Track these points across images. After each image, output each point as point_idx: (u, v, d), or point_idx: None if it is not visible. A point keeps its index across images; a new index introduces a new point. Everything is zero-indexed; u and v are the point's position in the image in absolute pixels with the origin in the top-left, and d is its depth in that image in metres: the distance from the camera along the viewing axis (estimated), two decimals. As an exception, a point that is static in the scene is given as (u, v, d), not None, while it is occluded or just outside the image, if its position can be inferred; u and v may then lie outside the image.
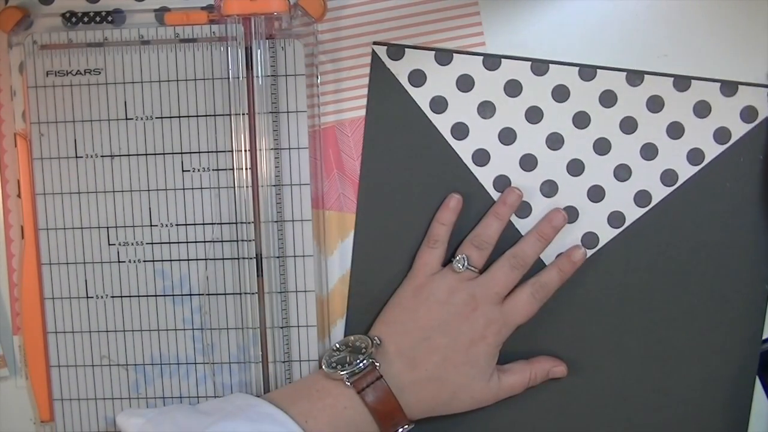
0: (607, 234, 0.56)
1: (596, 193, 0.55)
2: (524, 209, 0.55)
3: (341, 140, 0.55)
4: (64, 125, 0.54)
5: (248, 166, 0.53)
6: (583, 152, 0.55)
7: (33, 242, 0.54)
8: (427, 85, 0.55)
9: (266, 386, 0.54)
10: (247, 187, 0.53)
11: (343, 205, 0.55)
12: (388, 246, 0.55)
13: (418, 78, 0.55)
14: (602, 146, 0.55)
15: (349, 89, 0.55)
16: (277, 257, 0.54)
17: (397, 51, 0.54)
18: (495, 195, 0.55)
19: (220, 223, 0.54)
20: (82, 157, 0.54)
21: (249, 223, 0.53)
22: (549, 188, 0.55)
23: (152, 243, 0.54)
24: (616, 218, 0.55)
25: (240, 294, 0.54)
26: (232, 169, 0.53)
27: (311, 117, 0.54)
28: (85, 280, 0.54)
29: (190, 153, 0.53)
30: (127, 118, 0.53)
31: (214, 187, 0.53)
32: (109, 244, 0.54)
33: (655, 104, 0.55)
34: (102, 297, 0.54)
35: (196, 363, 0.55)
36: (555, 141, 0.55)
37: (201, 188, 0.54)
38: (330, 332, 0.56)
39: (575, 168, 0.55)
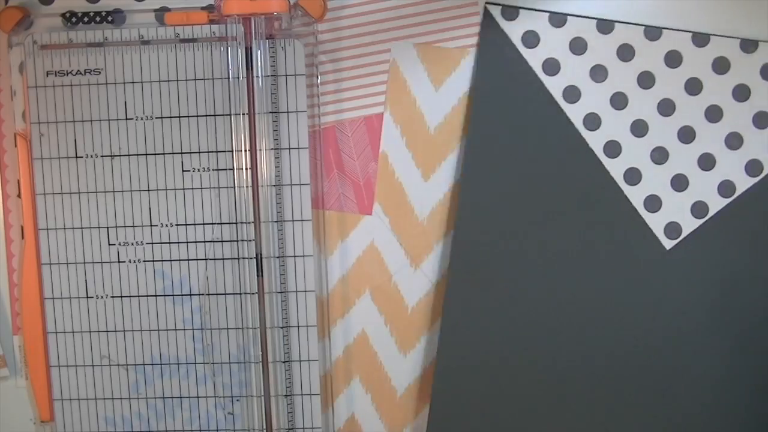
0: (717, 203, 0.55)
1: (707, 161, 0.55)
2: (634, 176, 0.55)
3: (341, 140, 0.55)
4: (64, 125, 0.54)
5: (248, 166, 0.53)
6: (694, 119, 0.55)
7: (33, 242, 0.54)
8: (540, 47, 0.54)
9: (266, 386, 0.54)
10: (247, 187, 0.53)
11: (343, 205, 0.55)
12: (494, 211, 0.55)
13: (531, 39, 0.54)
14: (714, 114, 0.55)
15: (349, 89, 0.55)
16: (277, 257, 0.54)
17: (511, 12, 0.54)
18: (605, 161, 0.55)
19: (221, 223, 0.54)
20: (82, 157, 0.54)
21: (249, 223, 0.53)
22: (659, 155, 0.55)
23: (152, 243, 0.54)
24: (726, 188, 0.55)
25: (240, 294, 0.54)
26: (232, 169, 0.53)
27: (311, 117, 0.54)
28: (85, 280, 0.54)
29: (190, 153, 0.53)
30: (127, 118, 0.53)
31: (214, 187, 0.53)
32: (109, 244, 0.54)
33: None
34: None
35: (196, 363, 0.55)
36: (666, 107, 0.54)
37: (201, 188, 0.54)
38: (329, 332, 0.56)
39: (685, 136, 0.55)
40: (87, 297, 0.54)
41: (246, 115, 0.53)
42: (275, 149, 0.53)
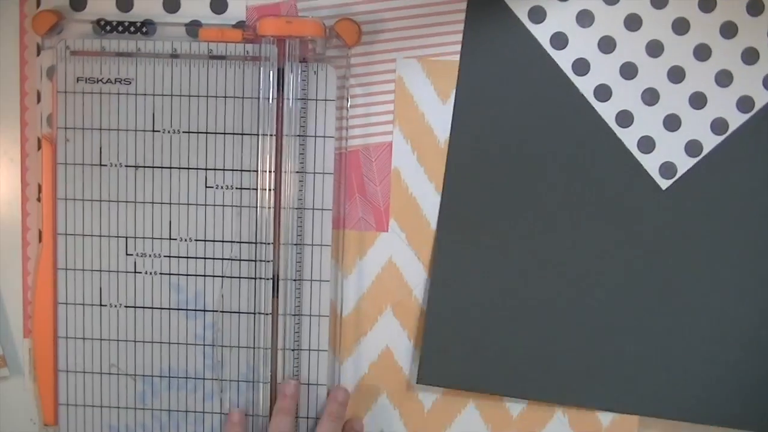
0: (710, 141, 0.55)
1: (720, 127, 0.55)
2: (626, 118, 0.55)
3: (365, 165, 0.55)
4: (91, 132, 0.53)
5: (272, 187, 0.53)
6: (704, 85, 0.55)
7: (50, 246, 0.54)
8: (547, 22, 0.54)
9: (272, 407, 0.54)
10: (269, 207, 0.53)
11: (362, 227, 0.55)
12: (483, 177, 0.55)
13: (537, 14, 0.54)
14: (702, 52, 0.55)
15: (377, 114, 0.55)
16: (294, 280, 0.54)
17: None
18: (597, 105, 0.55)
19: (240, 242, 0.54)
20: (106, 165, 0.54)
21: (268, 243, 0.53)
22: (650, 96, 0.55)
23: (170, 256, 0.54)
24: (719, 125, 0.55)
25: (254, 314, 0.54)
26: (256, 189, 0.53)
27: (338, 140, 0.54)
28: (100, 288, 0.54)
29: (215, 170, 0.53)
30: (154, 130, 0.53)
31: (236, 205, 0.53)
32: (127, 254, 0.54)
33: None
34: (115, 306, 0.54)
35: (204, 378, 0.55)
36: (655, 48, 0.54)
37: (223, 205, 0.54)
38: (341, 357, 0.56)
39: (697, 101, 0.55)
40: (100, 305, 0.54)
41: (273, 136, 0.53)
42: (300, 172, 0.53)
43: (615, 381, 0.56)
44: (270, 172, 0.53)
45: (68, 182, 0.54)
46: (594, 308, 0.55)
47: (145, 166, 0.54)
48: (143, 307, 0.54)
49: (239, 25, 0.54)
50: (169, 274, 0.54)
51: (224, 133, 0.53)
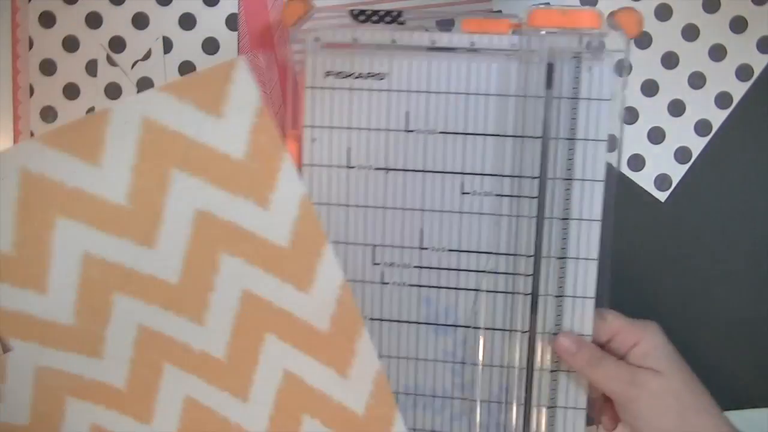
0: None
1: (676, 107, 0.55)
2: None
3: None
4: (339, 131, 0.50)
5: (535, 195, 0.48)
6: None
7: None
8: None
9: (526, 431, 0.50)
10: (530, 217, 0.48)
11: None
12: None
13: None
14: (697, 80, 0.55)
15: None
16: (555, 296, 0.49)
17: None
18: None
19: (497, 254, 0.49)
20: (354, 167, 0.50)
21: (529, 256, 0.49)
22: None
23: (420, 267, 0.50)
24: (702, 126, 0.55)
25: (509, 331, 0.49)
26: (517, 196, 0.48)
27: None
28: (344, 298, 0.51)
29: (473, 174, 0.49)
30: (407, 130, 0.49)
31: (495, 213, 0.49)
32: (374, 263, 0.50)
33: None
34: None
35: (453, 398, 0.51)
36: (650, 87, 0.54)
37: (480, 213, 0.49)
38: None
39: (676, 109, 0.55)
40: (343, 315, 0.51)
41: (539, 138, 0.48)
42: (567, 179, 0.48)
43: None
44: (533, 178, 0.48)
45: (314, 185, 0.50)
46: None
47: (396, 169, 0.49)
48: (390, 321, 0.51)
49: (498, 14, 0.49)
50: (419, 286, 0.50)
51: (484, 135, 0.48)
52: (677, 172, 0.55)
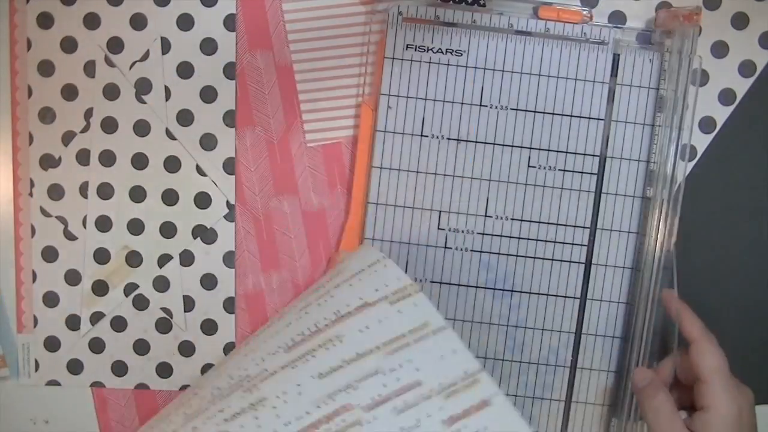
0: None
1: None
2: None
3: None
4: (414, 101, 0.52)
5: (594, 171, 0.53)
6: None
7: (359, 216, 0.53)
8: None
9: (570, 392, 0.54)
10: (589, 192, 0.53)
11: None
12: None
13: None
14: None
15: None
16: (604, 265, 0.53)
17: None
18: None
19: (556, 224, 0.53)
20: (427, 136, 0.53)
21: (585, 227, 0.53)
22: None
23: (483, 234, 0.53)
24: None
25: (562, 297, 0.53)
26: (580, 172, 0.53)
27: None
28: (407, 261, 0.53)
29: (539, 149, 0.53)
30: (481, 105, 0.52)
31: (557, 187, 0.53)
32: (439, 228, 0.53)
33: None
34: (422, 280, 0.53)
35: (503, 359, 0.54)
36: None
37: (544, 186, 0.53)
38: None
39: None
40: (404, 277, 0.53)
41: (602, 121, 0.52)
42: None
43: None
44: (594, 156, 0.53)
45: (386, 150, 0.53)
46: None
47: (468, 140, 0.53)
48: (449, 284, 0.54)
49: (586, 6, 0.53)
50: (481, 251, 0.53)
51: (552, 114, 0.53)
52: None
